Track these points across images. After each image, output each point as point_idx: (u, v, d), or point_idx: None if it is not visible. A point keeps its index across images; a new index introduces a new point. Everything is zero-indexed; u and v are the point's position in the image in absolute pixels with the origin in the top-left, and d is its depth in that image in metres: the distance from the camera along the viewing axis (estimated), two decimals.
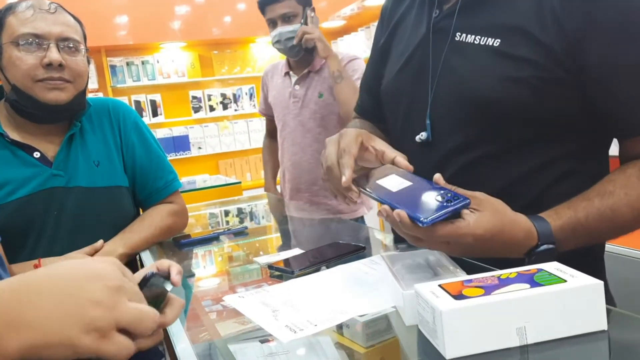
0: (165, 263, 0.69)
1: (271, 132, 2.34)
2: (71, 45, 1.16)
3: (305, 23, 1.97)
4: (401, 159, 0.79)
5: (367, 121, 1.11)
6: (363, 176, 0.81)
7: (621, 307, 0.70)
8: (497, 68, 0.81)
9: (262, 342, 0.69)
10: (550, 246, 0.73)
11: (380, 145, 0.82)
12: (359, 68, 2.01)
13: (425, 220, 0.66)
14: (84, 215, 1.19)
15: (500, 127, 0.82)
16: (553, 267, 0.63)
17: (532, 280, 0.59)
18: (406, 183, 0.76)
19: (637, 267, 1.65)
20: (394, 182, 0.76)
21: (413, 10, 0.98)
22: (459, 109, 0.85)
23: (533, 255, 0.73)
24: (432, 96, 0.88)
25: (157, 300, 0.63)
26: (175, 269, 0.67)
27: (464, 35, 0.85)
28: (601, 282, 0.57)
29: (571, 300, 0.57)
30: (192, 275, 1.12)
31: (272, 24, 2.02)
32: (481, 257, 0.77)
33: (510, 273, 0.63)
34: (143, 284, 0.58)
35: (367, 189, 0.77)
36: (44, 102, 1.14)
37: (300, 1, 1.98)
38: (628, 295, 1.00)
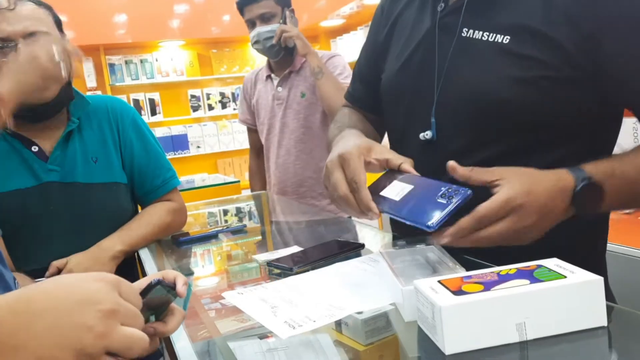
0: (171, 274, 0.68)
1: (256, 148, 2.32)
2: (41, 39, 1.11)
3: (284, 23, 1.98)
4: (407, 165, 0.79)
5: (357, 110, 1.11)
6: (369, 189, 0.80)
7: (622, 305, 0.70)
8: (506, 67, 0.80)
9: (260, 338, 0.69)
10: (592, 181, 0.70)
11: (381, 154, 0.81)
12: (339, 64, 2.04)
13: (432, 224, 0.67)
14: (81, 211, 1.19)
15: (507, 128, 0.81)
16: (553, 263, 0.63)
17: (532, 277, 0.59)
18: (408, 188, 0.75)
19: (638, 267, 1.65)
20: (396, 190, 0.76)
21: (414, 4, 0.96)
22: (466, 108, 0.84)
23: (579, 197, 0.70)
24: (437, 94, 0.87)
25: (160, 309, 0.63)
26: (181, 279, 0.67)
27: (471, 31, 0.84)
28: (601, 278, 0.57)
29: (571, 296, 0.57)
30: (191, 273, 1.12)
31: (251, 24, 2.03)
32: (541, 226, 0.72)
33: (510, 269, 0.62)
34: (146, 291, 0.58)
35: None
36: (30, 104, 1.12)
37: (279, 1, 1.99)
38: (630, 294, 1.00)
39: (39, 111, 1.16)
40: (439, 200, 0.69)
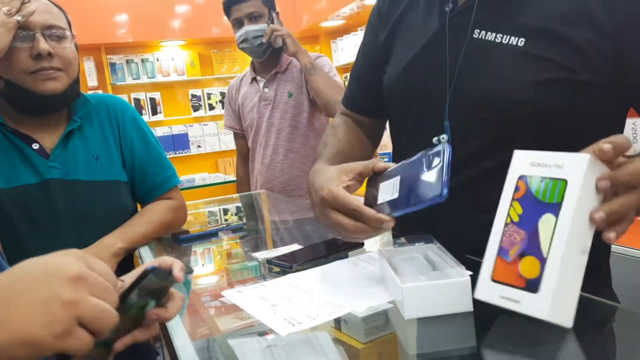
0: (167, 260, 0.69)
1: (244, 155, 2.32)
2: (58, 34, 1.15)
3: (272, 23, 2.01)
4: (379, 164, 0.77)
5: (352, 115, 1.10)
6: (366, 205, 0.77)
7: (625, 306, 0.70)
8: (523, 71, 0.78)
9: (260, 335, 0.69)
10: None
11: (351, 172, 0.79)
12: (326, 64, 2.07)
13: (443, 193, 0.64)
14: (83, 208, 1.19)
15: (521, 131, 0.80)
16: (527, 163, 0.60)
17: (542, 203, 0.57)
18: (396, 181, 0.73)
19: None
20: (389, 189, 0.74)
21: (419, 5, 0.94)
22: (480, 110, 0.82)
23: None
24: (450, 96, 0.85)
25: (160, 294, 0.63)
26: (177, 265, 0.67)
27: (483, 32, 0.82)
28: (588, 156, 0.56)
29: (587, 193, 0.56)
30: (191, 271, 1.12)
31: (238, 24, 2.05)
32: None
33: (511, 209, 0.60)
34: (142, 278, 0.58)
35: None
36: (41, 94, 1.13)
37: (265, 2, 2.02)
38: (633, 295, 1.00)
39: (47, 103, 1.16)
40: (430, 170, 0.67)
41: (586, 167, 0.56)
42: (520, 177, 0.61)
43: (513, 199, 0.60)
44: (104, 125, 1.28)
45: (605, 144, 0.56)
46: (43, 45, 1.11)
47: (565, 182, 0.56)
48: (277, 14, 2.06)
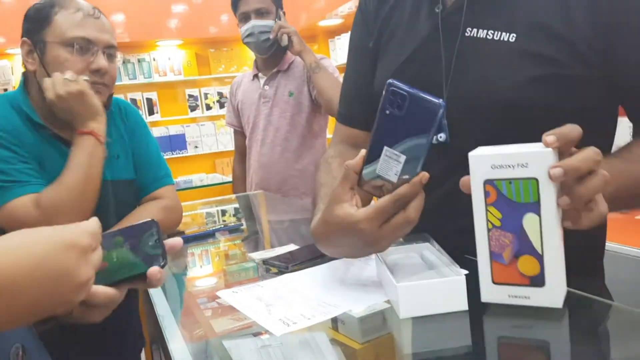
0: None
1: (241, 152, 2.33)
2: (112, 53, 1.21)
3: (280, 21, 2.03)
4: (352, 163, 0.70)
5: (349, 135, 1.04)
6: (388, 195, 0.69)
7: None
8: (515, 67, 0.78)
9: (255, 336, 0.68)
10: None
11: (344, 194, 0.71)
12: (329, 65, 2.08)
13: (441, 101, 0.62)
14: (106, 208, 1.21)
15: (516, 128, 0.78)
16: (488, 167, 0.60)
17: (520, 204, 0.58)
18: (387, 152, 0.66)
19: (634, 266, 1.65)
20: (390, 164, 0.67)
21: (404, 7, 0.93)
22: (476, 109, 0.82)
23: None
24: (446, 96, 0.85)
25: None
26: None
27: (475, 30, 0.82)
28: (549, 149, 0.58)
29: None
30: (187, 272, 1.12)
31: (245, 18, 2.05)
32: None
33: (489, 214, 0.61)
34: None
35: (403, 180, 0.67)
36: None
37: (274, 0, 2.03)
38: (626, 293, 1.00)
39: None
40: (403, 110, 0.64)
41: (553, 162, 0.57)
42: (487, 182, 0.61)
43: (487, 205, 0.61)
44: (119, 125, 1.31)
45: (548, 136, 0.58)
46: (103, 62, 1.17)
47: (536, 180, 0.58)
48: (284, 13, 2.07)
